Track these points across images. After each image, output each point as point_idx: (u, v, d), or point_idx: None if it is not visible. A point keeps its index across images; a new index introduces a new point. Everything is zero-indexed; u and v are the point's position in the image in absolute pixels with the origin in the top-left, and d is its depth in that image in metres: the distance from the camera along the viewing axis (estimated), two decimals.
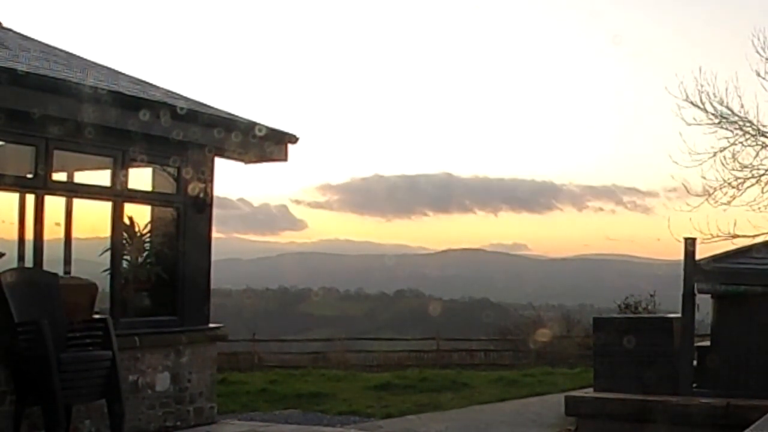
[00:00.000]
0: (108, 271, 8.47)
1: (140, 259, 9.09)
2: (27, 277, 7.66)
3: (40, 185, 7.81)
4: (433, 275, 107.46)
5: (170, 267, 9.10)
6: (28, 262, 7.79)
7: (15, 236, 7.82)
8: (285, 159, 9.82)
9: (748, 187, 16.84)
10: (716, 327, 11.77)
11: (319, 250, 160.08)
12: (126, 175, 8.59)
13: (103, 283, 8.41)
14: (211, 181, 9.42)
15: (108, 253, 8.49)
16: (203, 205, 9.31)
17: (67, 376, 7.14)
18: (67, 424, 7.42)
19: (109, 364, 7.59)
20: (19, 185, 7.87)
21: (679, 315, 11.72)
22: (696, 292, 11.49)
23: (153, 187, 9.24)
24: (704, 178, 16.82)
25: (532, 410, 13.90)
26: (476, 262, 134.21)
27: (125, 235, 8.75)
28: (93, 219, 8.85)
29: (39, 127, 7.58)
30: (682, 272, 11.58)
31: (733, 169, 16.80)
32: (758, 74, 16.66)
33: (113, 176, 8.50)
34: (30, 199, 7.85)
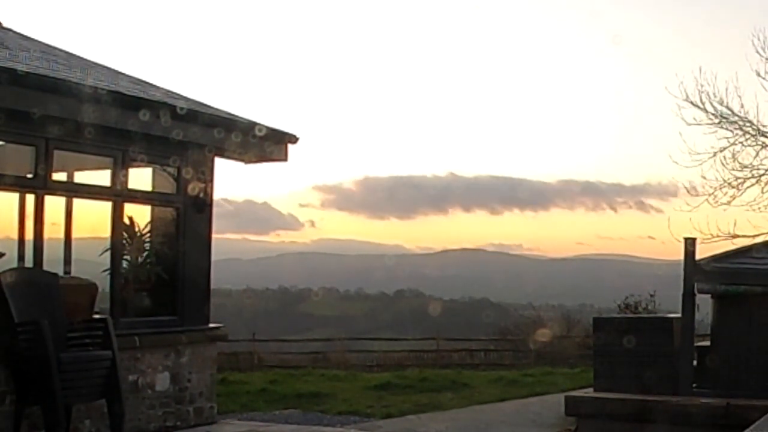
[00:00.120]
0: (108, 271, 8.47)
1: (140, 259, 9.09)
2: (27, 277, 7.66)
3: (40, 185, 7.81)
4: (433, 275, 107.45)
5: (170, 267, 9.10)
6: (28, 262, 7.79)
7: (15, 236, 7.83)
8: (285, 159, 9.82)
9: (748, 187, 16.87)
10: (716, 327, 11.76)
11: (319, 250, 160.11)
12: (126, 175, 8.60)
13: (103, 283, 8.41)
14: (211, 181, 9.43)
15: (108, 253, 8.50)
16: (203, 205, 9.32)
17: (67, 376, 7.14)
18: (67, 424, 7.42)
19: (109, 364, 7.59)
20: (19, 185, 7.87)
21: (679, 315, 11.71)
22: (696, 292, 11.48)
23: (153, 187, 9.25)
24: (704, 178, 16.86)
25: (532, 410, 13.89)
26: (476, 262, 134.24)
27: (125, 235, 8.76)
28: (93, 219, 8.86)
29: (39, 127, 7.58)
30: (682, 272, 11.58)
31: (733, 169, 16.83)
32: (758, 74, 16.70)
33: (113, 176, 8.50)
34: (30, 199, 7.85)
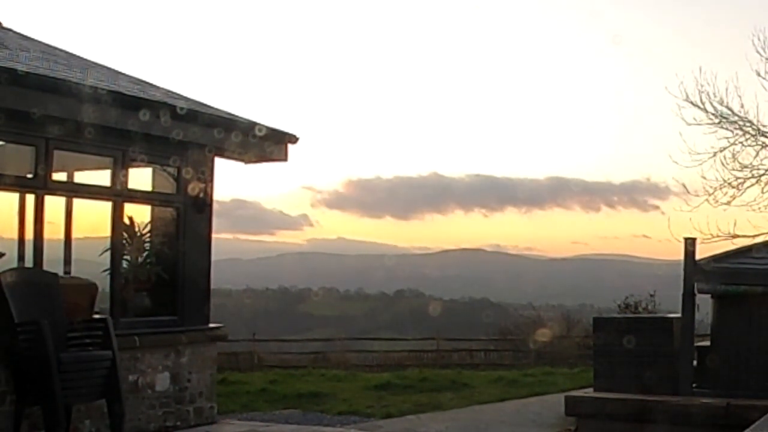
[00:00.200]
0: (108, 271, 8.47)
1: (140, 259, 9.09)
2: (27, 277, 7.66)
3: (40, 185, 7.81)
4: (433, 275, 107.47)
5: (170, 267, 9.10)
6: (28, 262, 7.79)
7: (15, 236, 7.83)
8: (285, 159, 9.82)
9: (748, 187, 16.87)
10: (716, 327, 11.76)
11: (319, 250, 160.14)
12: (126, 175, 8.60)
13: (103, 283, 8.41)
14: (211, 181, 9.43)
15: (108, 253, 8.49)
16: (203, 205, 9.32)
17: (67, 376, 7.14)
18: (67, 424, 7.41)
19: (109, 364, 7.59)
20: (19, 185, 7.87)
21: (679, 315, 11.71)
22: (696, 292, 11.48)
23: (153, 187, 9.25)
24: (704, 178, 16.85)
25: (532, 410, 13.89)
26: (476, 262, 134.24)
27: (125, 235, 8.76)
28: (93, 219, 8.86)
29: (39, 127, 7.58)
30: (682, 272, 11.58)
31: (733, 169, 16.83)
32: (758, 74, 16.70)
33: (113, 176, 8.50)
34: (30, 199, 7.85)
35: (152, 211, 9.26)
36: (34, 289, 7.54)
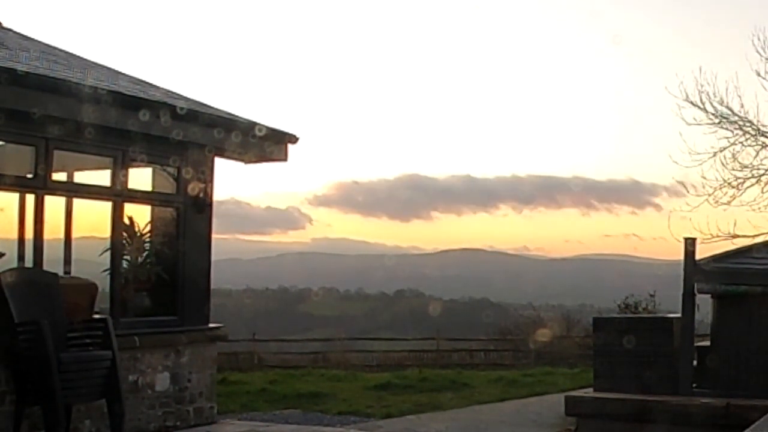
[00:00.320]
0: (108, 271, 8.47)
1: (140, 259, 9.09)
2: (27, 277, 7.66)
3: (40, 185, 7.81)
4: (433, 275, 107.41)
5: (170, 267, 9.10)
6: (28, 262, 7.80)
7: (15, 236, 7.83)
8: (285, 159, 9.82)
9: (748, 187, 16.87)
10: (716, 327, 11.76)
11: (319, 250, 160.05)
12: (126, 175, 8.60)
13: (103, 283, 8.41)
14: (211, 181, 9.43)
15: (108, 253, 8.50)
16: (203, 205, 9.32)
17: (67, 376, 7.15)
18: (67, 424, 7.42)
19: (109, 364, 7.59)
20: (19, 185, 7.87)
21: (679, 315, 11.71)
22: (696, 292, 11.48)
23: (153, 187, 9.25)
24: (704, 178, 16.86)
25: (532, 410, 13.90)
26: (476, 262, 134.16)
27: (125, 235, 8.76)
28: (93, 219, 8.86)
29: (39, 127, 7.58)
30: (682, 272, 11.58)
31: (733, 169, 16.84)
32: (758, 74, 16.71)
33: (113, 176, 8.50)
34: (30, 199, 7.85)
35: (152, 211, 9.26)
36: (34, 289, 7.54)
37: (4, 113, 7.18)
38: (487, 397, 15.92)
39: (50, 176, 7.98)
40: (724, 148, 16.79)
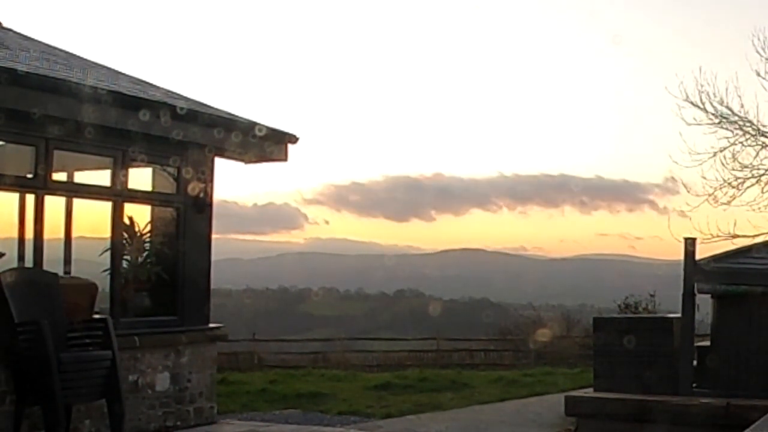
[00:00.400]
0: (108, 271, 8.47)
1: (140, 259, 9.09)
2: (27, 277, 7.66)
3: (40, 185, 7.81)
4: (433, 275, 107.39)
5: (170, 267, 9.10)
6: (28, 262, 7.80)
7: (15, 236, 7.83)
8: (285, 159, 9.82)
9: (748, 187, 16.90)
10: (716, 327, 11.76)
11: (319, 250, 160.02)
12: (126, 175, 8.60)
13: (103, 283, 8.41)
14: (211, 181, 9.43)
15: (108, 253, 8.50)
16: (203, 205, 9.32)
17: (67, 376, 7.15)
18: (67, 424, 7.42)
19: (109, 364, 7.59)
20: (19, 185, 7.87)
21: (679, 315, 11.71)
22: (696, 292, 11.48)
23: (153, 187, 9.25)
24: (704, 178, 16.88)
25: (532, 410, 13.89)
26: (476, 262, 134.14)
27: (125, 235, 8.76)
28: (93, 219, 8.86)
29: (39, 127, 7.58)
30: (682, 272, 11.58)
31: (733, 169, 16.85)
32: (758, 74, 16.73)
33: (113, 176, 8.50)
34: (30, 199, 7.85)
35: (152, 211, 9.26)
36: (34, 289, 7.54)
37: (4, 113, 7.18)
38: (487, 397, 15.92)
39: (50, 176, 7.98)
40: (724, 148, 16.82)
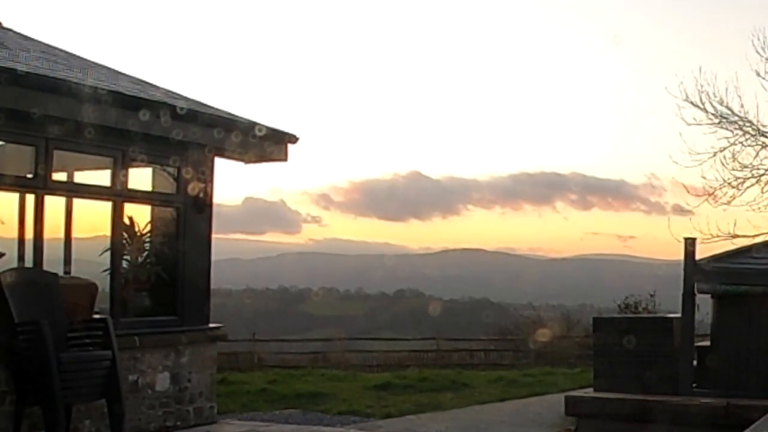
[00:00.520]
0: (108, 271, 8.48)
1: (140, 259, 9.09)
2: (27, 277, 7.66)
3: (40, 185, 7.82)
4: (433, 275, 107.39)
5: (170, 267, 9.10)
6: (28, 262, 7.80)
7: (15, 236, 7.83)
8: (285, 159, 9.83)
9: (748, 187, 16.91)
10: (716, 327, 11.76)
11: (319, 250, 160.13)
12: (126, 175, 8.60)
13: (103, 283, 8.41)
14: (211, 181, 9.43)
15: (108, 253, 8.50)
16: (203, 205, 9.32)
17: (67, 376, 7.15)
18: (67, 424, 7.42)
19: (109, 364, 7.60)
20: (19, 185, 7.87)
21: (679, 315, 11.71)
22: (696, 292, 11.48)
23: (153, 187, 9.25)
24: (704, 178, 16.88)
25: (532, 410, 13.89)
26: (476, 262, 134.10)
27: (125, 235, 8.76)
28: (93, 219, 8.86)
29: (39, 127, 7.58)
30: (682, 272, 11.58)
31: (733, 169, 16.86)
32: (758, 74, 16.74)
33: (113, 176, 8.51)
34: (30, 199, 7.85)
35: (152, 211, 9.27)
36: (34, 289, 7.54)
37: (4, 113, 7.18)
38: (487, 397, 15.91)
39: (50, 176, 7.98)
40: (724, 148, 16.83)
